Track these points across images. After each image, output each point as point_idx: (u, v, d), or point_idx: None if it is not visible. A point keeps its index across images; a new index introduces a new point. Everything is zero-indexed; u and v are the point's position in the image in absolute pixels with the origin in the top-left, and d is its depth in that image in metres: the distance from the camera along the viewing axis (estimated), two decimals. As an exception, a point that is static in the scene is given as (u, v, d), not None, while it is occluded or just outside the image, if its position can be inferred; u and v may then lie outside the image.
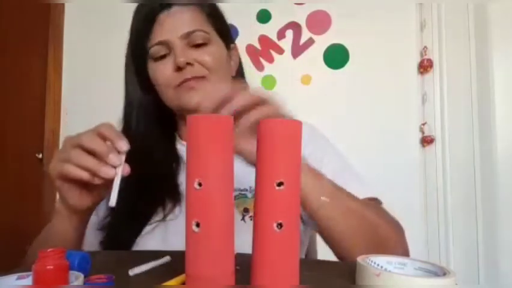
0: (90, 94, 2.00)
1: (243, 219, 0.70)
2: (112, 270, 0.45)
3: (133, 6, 0.73)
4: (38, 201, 2.01)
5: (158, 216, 0.70)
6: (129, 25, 0.74)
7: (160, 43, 0.69)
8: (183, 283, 0.41)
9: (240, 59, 0.81)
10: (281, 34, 1.87)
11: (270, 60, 1.86)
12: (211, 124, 0.38)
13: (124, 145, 0.51)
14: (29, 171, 2.11)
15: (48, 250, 0.37)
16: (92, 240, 0.70)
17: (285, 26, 1.87)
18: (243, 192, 0.71)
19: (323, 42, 1.84)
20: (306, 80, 1.83)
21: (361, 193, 0.62)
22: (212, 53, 0.70)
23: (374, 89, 1.79)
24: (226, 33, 0.77)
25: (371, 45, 1.80)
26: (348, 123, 1.77)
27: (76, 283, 0.37)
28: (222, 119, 0.39)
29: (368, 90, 1.79)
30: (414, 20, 1.80)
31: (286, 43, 1.86)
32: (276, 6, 1.86)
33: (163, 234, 0.69)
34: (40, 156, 2.05)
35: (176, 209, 0.70)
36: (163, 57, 0.70)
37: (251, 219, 0.70)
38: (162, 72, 0.70)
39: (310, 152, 0.71)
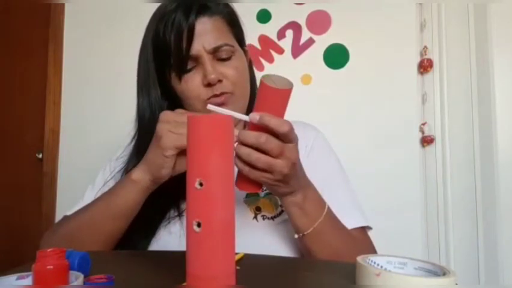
0: (90, 94, 2.00)
1: (255, 217, 0.70)
2: (112, 270, 0.45)
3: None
4: (38, 201, 2.01)
5: (174, 213, 0.71)
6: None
7: (188, 57, 0.67)
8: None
9: (250, 58, 0.81)
10: (281, 34, 1.87)
11: (270, 60, 1.86)
12: (211, 124, 0.38)
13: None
14: (29, 171, 2.11)
15: (48, 250, 0.37)
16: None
17: (285, 26, 1.86)
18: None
19: (323, 42, 1.84)
20: (306, 80, 1.83)
21: (355, 222, 0.69)
22: (236, 67, 0.71)
23: (374, 89, 1.79)
24: (243, 39, 0.78)
25: (371, 45, 1.80)
26: (348, 123, 1.77)
27: (76, 283, 0.37)
28: (222, 119, 0.39)
29: (368, 90, 1.79)
30: (414, 20, 1.80)
31: (286, 43, 1.86)
32: (276, 6, 1.86)
33: (180, 230, 0.70)
34: (40, 156, 2.05)
35: None
36: (189, 69, 0.69)
37: (264, 219, 0.70)
38: (190, 85, 0.69)
39: (324, 164, 0.74)
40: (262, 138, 0.51)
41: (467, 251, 1.69)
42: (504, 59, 1.69)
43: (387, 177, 1.73)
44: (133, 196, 0.62)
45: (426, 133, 1.75)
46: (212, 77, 0.67)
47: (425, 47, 1.77)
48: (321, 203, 0.62)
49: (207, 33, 0.68)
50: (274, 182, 0.55)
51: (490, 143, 1.68)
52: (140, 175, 0.61)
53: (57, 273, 0.37)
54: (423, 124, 1.76)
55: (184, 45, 0.67)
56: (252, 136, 0.52)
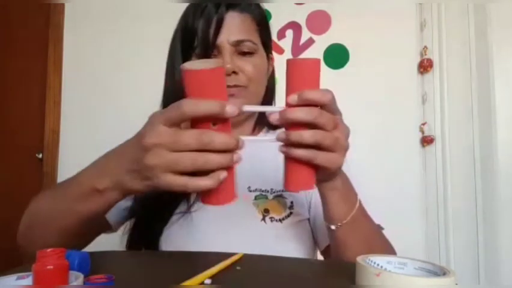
0: (90, 94, 2.00)
1: (263, 219, 0.70)
2: (112, 270, 0.45)
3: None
4: (38, 201, 2.01)
5: (183, 208, 0.71)
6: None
7: (214, 46, 0.69)
8: (202, 283, 0.41)
9: (273, 68, 0.82)
10: (281, 34, 1.87)
11: (270, 60, 1.87)
12: (203, 78, 0.41)
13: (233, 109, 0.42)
14: (29, 171, 2.11)
15: (48, 250, 0.37)
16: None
17: (285, 26, 1.87)
18: (263, 193, 0.71)
19: (323, 42, 1.84)
20: (306, 80, 1.83)
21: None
22: (256, 64, 0.72)
23: (373, 89, 1.79)
24: (269, 45, 0.79)
25: (371, 45, 1.80)
26: (348, 123, 1.77)
27: (75, 283, 0.37)
28: (211, 70, 0.41)
29: (368, 90, 1.79)
30: (414, 20, 1.80)
31: (286, 43, 1.86)
32: (276, 6, 1.86)
33: (188, 225, 0.69)
34: (40, 156, 2.05)
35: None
36: (209, 57, 0.70)
37: (272, 221, 0.70)
38: None
39: None
40: (314, 112, 0.44)
41: (467, 251, 1.69)
42: (504, 59, 1.69)
43: (387, 177, 1.73)
44: (98, 209, 0.52)
45: (426, 133, 1.75)
46: (228, 66, 0.68)
47: (425, 47, 1.77)
48: (353, 188, 0.58)
49: (233, 26, 0.70)
50: (339, 162, 0.49)
51: (490, 142, 1.68)
52: (115, 191, 0.49)
53: (58, 273, 0.37)
54: (423, 124, 1.76)
55: (211, 34, 0.69)
56: (304, 112, 0.44)
